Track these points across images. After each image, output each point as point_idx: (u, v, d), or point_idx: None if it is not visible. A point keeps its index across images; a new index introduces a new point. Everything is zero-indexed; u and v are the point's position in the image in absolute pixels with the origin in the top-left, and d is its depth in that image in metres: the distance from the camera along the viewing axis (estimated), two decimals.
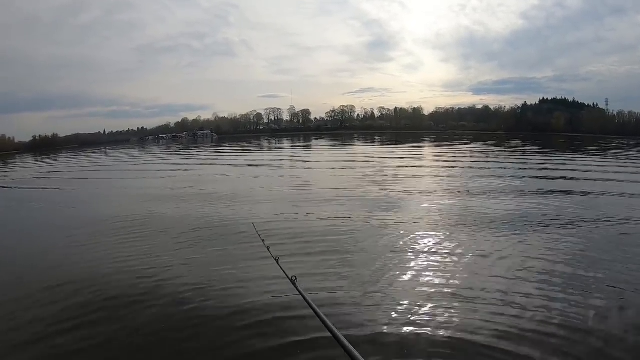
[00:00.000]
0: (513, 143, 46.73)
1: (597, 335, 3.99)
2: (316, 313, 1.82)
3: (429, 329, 4.18)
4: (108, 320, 4.63)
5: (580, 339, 3.93)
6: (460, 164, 20.83)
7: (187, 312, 4.77)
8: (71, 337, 4.29)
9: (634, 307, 4.55)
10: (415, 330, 4.18)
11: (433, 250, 6.66)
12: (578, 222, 8.26)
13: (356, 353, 1.40)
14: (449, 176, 15.80)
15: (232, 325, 4.42)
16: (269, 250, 3.16)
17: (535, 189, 12.37)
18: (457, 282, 5.32)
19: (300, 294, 2.12)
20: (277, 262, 2.78)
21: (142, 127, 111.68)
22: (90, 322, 4.60)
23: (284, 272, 2.53)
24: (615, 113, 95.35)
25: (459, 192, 12.01)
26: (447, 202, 10.58)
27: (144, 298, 5.18)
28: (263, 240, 3.62)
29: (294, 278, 2.29)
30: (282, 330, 4.25)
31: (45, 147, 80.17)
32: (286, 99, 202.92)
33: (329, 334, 1.59)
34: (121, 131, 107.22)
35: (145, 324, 4.51)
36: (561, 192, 11.79)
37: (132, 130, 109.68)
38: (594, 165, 20.57)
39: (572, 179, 15.02)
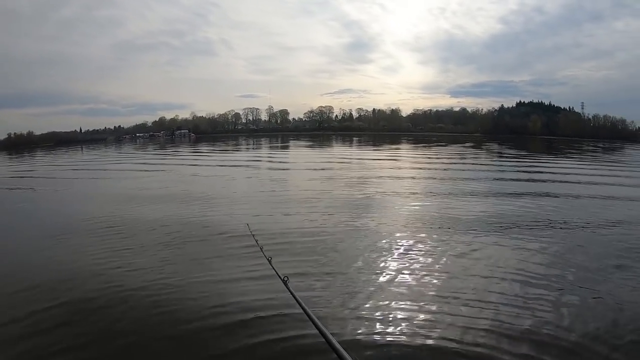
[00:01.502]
0: (490, 146, 47.53)
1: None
2: (307, 314, 1.80)
3: (422, 331, 4.21)
4: (86, 322, 4.51)
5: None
6: (440, 174, 19.57)
7: (171, 314, 4.64)
8: (47, 339, 4.15)
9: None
10: (409, 335, 4.18)
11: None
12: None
13: (347, 355, 1.38)
14: (429, 194, 13.28)
15: (219, 326, 4.33)
16: (261, 250, 3.14)
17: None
18: None
19: (292, 294, 2.09)
20: (270, 262, 2.78)
21: (119, 126, 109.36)
22: (64, 323, 4.49)
23: (276, 272, 2.50)
24: (590, 117, 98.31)
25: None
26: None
27: (125, 298, 5.07)
28: (257, 240, 3.55)
29: (285, 278, 2.25)
30: (272, 331, 4.19)
31: (21, 145, 78.18)
32: (265, 99, 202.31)
33: (320, 336, 1.56)
34: (98, 129, 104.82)
35: (125, 326, 4.39)
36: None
37: (109, 128, 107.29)
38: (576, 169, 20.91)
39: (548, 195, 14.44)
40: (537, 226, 8.70)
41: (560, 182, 16.38)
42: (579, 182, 16.13)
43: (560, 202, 11.66)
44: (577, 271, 5.96)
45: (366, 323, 4.40)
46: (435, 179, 17.05)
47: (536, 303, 4.87)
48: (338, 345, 1.43)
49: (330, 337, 1.51)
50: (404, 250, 7.03)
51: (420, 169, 21.84)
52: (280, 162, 28.27)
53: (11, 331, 4.37)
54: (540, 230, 8.39)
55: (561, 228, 8.56)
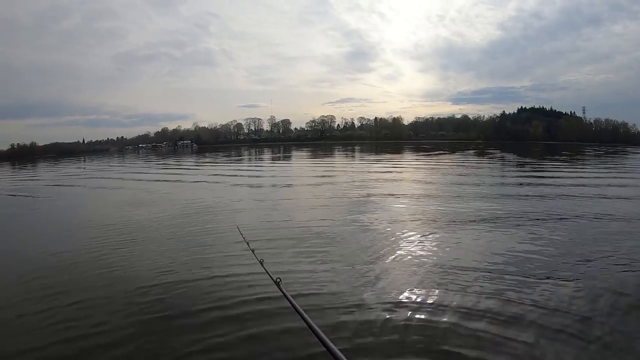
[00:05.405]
0: (492, 153, 47.55)
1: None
2: (301, 315, 1.78)
3: (415, 334, 4.18)
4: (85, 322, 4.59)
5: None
6: (441, 179, 19.48)
7: (163, 318, 4.64)
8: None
9: None
10: (403, 334, 4.19)
11: None
12: None
13: (341, 355, 1.35)
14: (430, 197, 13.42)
15: (212, 329, 4.32)
16: (253, 252, 3.08)
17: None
18: None
19: (285, 296, 2.06)
20: (262, 264, 2.73)
21: (122, 137, 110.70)
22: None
23: (269, 274, 2.46)
24: (592, 121, 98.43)
25: None
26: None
27: (122, 299, 5.17)
28: (247, 243, 3.50)
29: (278, 280, 2.21)
30: (265, 333, 4.18)
31: (24, 156, 78.73)
32: (266, 109, 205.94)
33: (315, 338, 1.54)
34: (100, 140, 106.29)
35: (119, 331, 4.35)
36: None
37: (112, 139, 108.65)
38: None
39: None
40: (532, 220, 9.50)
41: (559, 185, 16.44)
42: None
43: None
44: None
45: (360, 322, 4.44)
46: (435, 183, 17.31)
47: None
48: (332, 345, 1.42)
49: (325, 337, 1.49)
50: (414, 241, 7.68)
51: (424, 174, 22.00)
52: (281, 172, 28.37)
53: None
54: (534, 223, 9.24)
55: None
